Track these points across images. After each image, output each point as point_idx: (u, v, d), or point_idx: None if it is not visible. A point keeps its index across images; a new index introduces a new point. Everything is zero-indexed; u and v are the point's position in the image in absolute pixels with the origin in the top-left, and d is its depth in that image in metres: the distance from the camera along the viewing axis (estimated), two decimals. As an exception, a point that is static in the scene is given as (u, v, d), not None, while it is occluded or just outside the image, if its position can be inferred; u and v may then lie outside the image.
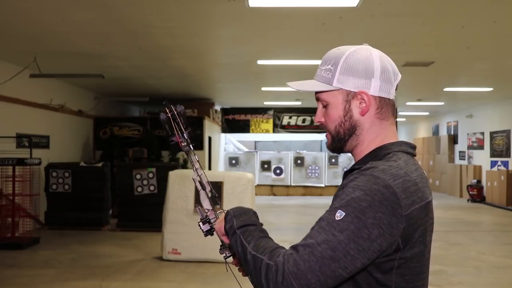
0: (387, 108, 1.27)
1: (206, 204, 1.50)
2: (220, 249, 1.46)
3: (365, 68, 1.25)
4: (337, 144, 1.30)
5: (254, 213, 1.38)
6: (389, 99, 1.27)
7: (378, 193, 1.10)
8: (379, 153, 1.24)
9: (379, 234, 1.08)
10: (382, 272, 1.13)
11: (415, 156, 1.31)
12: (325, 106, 1.30)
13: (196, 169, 1.51)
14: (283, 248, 1.17)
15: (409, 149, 1.27)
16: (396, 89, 1.30)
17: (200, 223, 1.48)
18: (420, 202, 1.15)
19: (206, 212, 1.49)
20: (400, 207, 1.10)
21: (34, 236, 7.38)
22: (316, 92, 1.31)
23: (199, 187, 1.51)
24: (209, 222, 1.48)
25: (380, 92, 1.25)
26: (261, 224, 1.36)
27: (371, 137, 1.27)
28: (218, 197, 1.55)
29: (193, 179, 1.52)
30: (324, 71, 1.29)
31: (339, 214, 1.11)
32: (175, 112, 1.56)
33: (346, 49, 1.29)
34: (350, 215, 1.09)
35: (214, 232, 1.45)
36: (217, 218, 1.50)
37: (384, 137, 1.27)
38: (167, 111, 1.56)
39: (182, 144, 1.59)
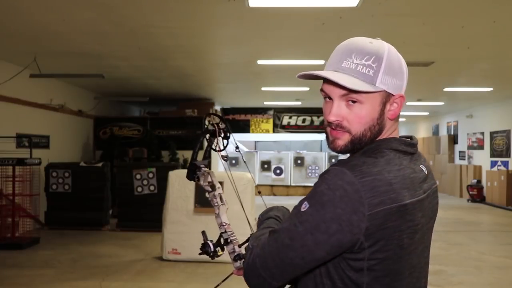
0: None
1: (224, 218, 1.53)
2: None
3: (400, 68, 1.20)
4: (356, 146, 1.20)
5: (272, 208, 1.44)
6: (401, 95, 1.22)
7: (340, 188, 1.07)
8: (365, 150, 1.19)
9: (337, 229, 1.07)
10: (354, 270, 1.12)
11: (413, 153, 1.24)
12: (352, 103, 1.18)
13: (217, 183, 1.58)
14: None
15: (401, 146, 1.20)
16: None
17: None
18: (391, 203, 1.08)
19: (224, 226, 1.52)
20: (363, 205, 1.06)
21: (34, 236, 7.38)
22: (346, 88, 1.15)
23: (218, 203, 1.55)
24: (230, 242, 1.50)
25: (404, 93, 1.23)
26: (278, 209, 1.46)
27: (383, 136, 1.22)
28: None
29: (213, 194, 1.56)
30: (363, 67, 1.16)
31: (304, 206, 1.12)
32: (220, 129, 1.60)
33: (381, 44, 1.20)
34: (312, 207, 1.10)
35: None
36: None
37: (393, 135, 1.24)
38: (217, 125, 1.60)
39: (223, 155, 1.62)
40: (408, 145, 1.23)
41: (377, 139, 1.21)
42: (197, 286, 5.21)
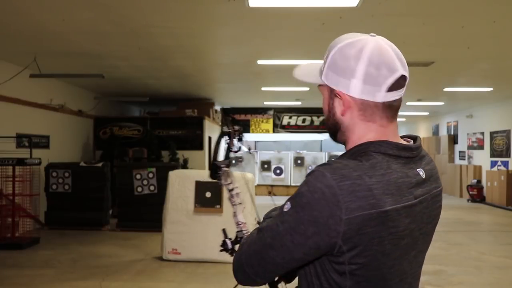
0: (372, 110, 1.17)
1: (240, 217, 1.62)
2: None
3: (346, 66, 1.17)
4: (329, 134, 1.29)
5: (276, 208, 1.44)
6: (374, 102, 1.16)
7: (319, 191, 1.07)
8: (354, 151, 1.17)
9: (314, 232, 1.07)
10: (338, 273, 1.12)
11: (410, 157, 1.20)
12: None
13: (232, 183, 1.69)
14: None
15: (392, 150, 1.16)
16: (397, 87, 1.17)
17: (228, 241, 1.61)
18: (370, 209, 1.05)
19: (240, 225, 1.61)
20: (340, 209, 1.05)
21: (34, 236, 7.38)
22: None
23: (236, 202, 1.66)
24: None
25: (362, 95, 1.16)
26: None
27: (356, 136, 1.20)
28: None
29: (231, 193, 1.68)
30: (323, 61, 1.24)
31: (287, 206, 1.13)
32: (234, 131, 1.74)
33: (344, 39, 1.20)
34: (292, 208, 1.11)
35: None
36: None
37: (372, 138, 1.18)
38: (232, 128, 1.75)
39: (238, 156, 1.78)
40: (402, 149, 1.18)
41: (368, 140, 1.18)
42: (197, 286, 5.20)
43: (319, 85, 1.27)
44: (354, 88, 1.16)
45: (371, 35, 1.21)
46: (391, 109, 1.20)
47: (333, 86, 1.21)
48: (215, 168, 1.66)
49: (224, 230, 1.60)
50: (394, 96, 1.18)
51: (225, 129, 1.66)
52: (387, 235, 1.09)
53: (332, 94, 1.22)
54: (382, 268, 1.13)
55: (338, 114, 1.21)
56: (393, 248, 1.12)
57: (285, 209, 1.13)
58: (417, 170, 1.21)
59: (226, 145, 1.67)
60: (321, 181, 1.08)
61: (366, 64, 1.16)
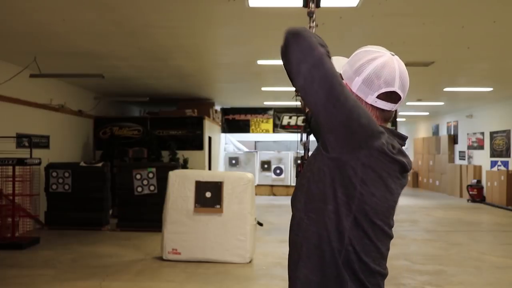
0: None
1: None
2: None
3: (358, 66, 1.48)
4: None
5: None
6: (365, 101, 1.48)
7: None
8: None
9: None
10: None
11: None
12: None
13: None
14: None
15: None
16: (388, 100, 1.47)
17: None
18: None
19: None
20: None
21: (34, 236, 7.38)
22: None
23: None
24: None
25: (357, 91, 1.48)
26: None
27: None
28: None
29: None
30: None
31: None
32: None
33: (369, 46, 1.53)
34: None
35: None
36: None
37: None
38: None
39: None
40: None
41: None
42: (197, 286, 5.20)
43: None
44: (356, 84, 1.48)
45: (391, 53, 1.50)
46: (382, 113, 1.50)
47: (344, 77, 1.52)
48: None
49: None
50: (384, 105, 1.48)
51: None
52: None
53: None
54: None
55: None
56: None
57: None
58: None
59: None
60: None
61: (371, 71, 1.46)
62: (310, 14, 2.36)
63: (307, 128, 2.11)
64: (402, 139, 1.50)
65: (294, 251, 1.51)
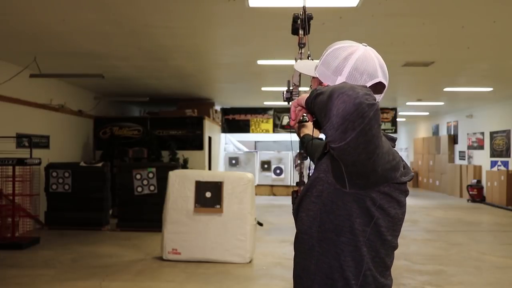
0: None
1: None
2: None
3: (336, 65, 1.44)
4: (313, 122, 1.54)
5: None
6: None
7: None
8: None
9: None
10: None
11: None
12: None
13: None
14: None
15: None
16: (375, 92, 1.40)
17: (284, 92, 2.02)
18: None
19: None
20: None
21: (34, 236, 7.38)
22: None
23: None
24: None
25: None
26: None
27: None
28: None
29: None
30: (319, 59, 1.53)
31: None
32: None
33: (339, 43, 1.49)
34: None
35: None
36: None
37: None
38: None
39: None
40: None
41: None
42: (197, 286, 5.20)
43: (312, 77, 1.56)
44: (339, 83, 1.41)
45: (363, 45, 1.47)
46: None
47: (322, 79, 1.48)
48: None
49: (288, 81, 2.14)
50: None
51: None
52: None
53: (321, 84, 1.48)
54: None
55: None
56: None
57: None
58: None
59: None
60: None
61: (352, 67, 1.42)
62: (301, 45, 2.23)
63: (303, 153, 2.18)
64: (393, 141, 1.51)
65: (307, 278, 1.49)
